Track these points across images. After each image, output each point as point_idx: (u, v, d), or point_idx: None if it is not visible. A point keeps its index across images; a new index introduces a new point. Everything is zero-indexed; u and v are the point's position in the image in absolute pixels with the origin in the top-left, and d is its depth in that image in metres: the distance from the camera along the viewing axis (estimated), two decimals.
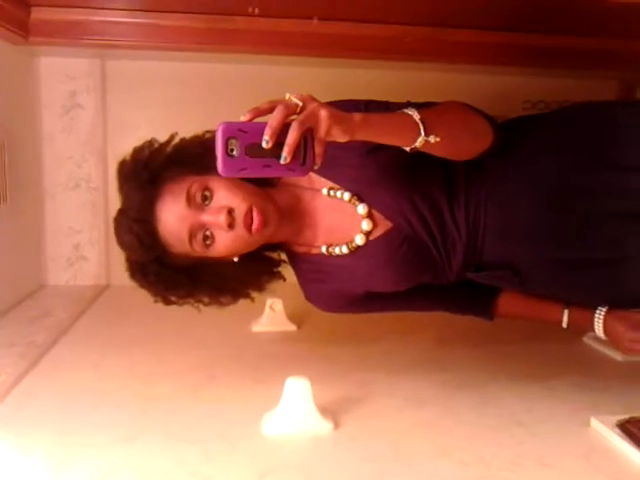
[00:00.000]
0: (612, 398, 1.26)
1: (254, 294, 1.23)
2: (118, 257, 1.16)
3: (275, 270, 1.24)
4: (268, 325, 1.68)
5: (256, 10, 1.44)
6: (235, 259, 1.12)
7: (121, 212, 1.11)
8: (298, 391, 1.07)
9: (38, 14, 1.65)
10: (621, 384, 1.33)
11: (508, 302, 1.29)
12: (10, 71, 1.82)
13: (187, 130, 1.17)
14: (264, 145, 0.81)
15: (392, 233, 1.11)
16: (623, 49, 1.87)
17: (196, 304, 1.19)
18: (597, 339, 1.60)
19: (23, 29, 1.64)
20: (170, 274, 1.12)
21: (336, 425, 1.10)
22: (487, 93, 2.01)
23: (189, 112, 1.89)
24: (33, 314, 1.75)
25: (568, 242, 1.10)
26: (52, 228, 2.08)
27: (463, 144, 1.05)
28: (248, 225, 1.04)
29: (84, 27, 1.68)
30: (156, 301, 1.17)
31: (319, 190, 1.14)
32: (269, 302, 1.68)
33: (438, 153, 1.00)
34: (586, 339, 1.62)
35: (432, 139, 0.93)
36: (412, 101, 1.09)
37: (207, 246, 1.06)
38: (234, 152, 0.82)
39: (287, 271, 1.26)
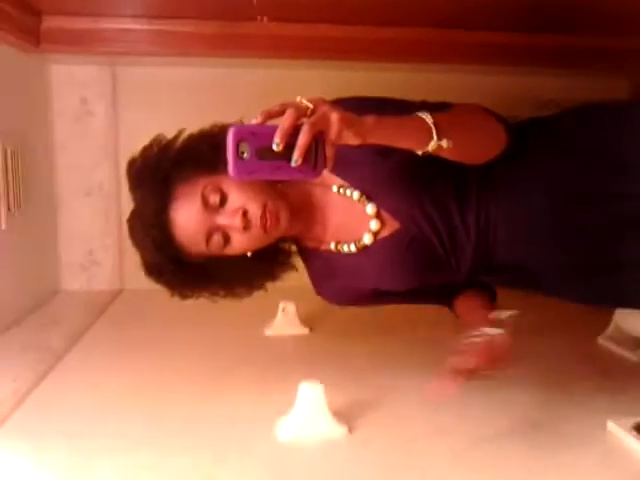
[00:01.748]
0: (628, 400, 1.24)
1: (267, 291, 1.25)
2: (131, 262, 1.17)
3: (287, 261, 1.25)
4: (281, 329, 1.68)
5: (265, 18, 1.44)
6: (249, 254, 1.13)
7: (135, 215, 1.12)
8: (312, 396, 1.07)
9: (49, 22, 1.66)
10: (637, 386, 1.32)
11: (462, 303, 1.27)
12: (22, 79, 1.84)
13: None
14: (275, 148, 0.81)
15: (400, 234, 1.11)
16: (634, 48, 1.86)
17: (212, 297, 1.19)
18: (612, 339, 1.60)
19: (34, 37, 1.65)
20: (186, 272, 1.13)
21: (350, 430, 1.10)
22: (497, 93, 1.99)
23: (200, 117, 1.88)
24: (47, 320, 1.76)
25: (582, 244, 1.10)
26: (65, 234, 2.09)
27: (476, 148, 1.05)
28: (264, 226, 1.05)
29: (94, 35, 1.69)
30: (172, 295, 1.18)
31: (329, 187, 1.14)
32: (281, 305, 1.68)
33: (451, 157, 1.00)
34: (601, 340, 1.61)
35: (445, 143, 0.93)
36: (427, 101, 1.09)
37: (223, 246, 1.08)
38: (245, 155, 0.83)
39: (298, 269, 1.26)
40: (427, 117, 0.93)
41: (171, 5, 1.58)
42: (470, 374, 0.99)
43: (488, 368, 1.01)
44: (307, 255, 1.23)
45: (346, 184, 1.13)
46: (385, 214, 1.12)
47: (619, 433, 1.09)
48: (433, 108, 0.97)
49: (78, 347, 1.56)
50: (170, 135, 1.16)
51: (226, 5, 1.53)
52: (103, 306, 1.93)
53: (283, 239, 1.21)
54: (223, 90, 2.03)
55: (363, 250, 1.14)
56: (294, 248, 1.25)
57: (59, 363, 1.44)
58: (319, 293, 1.25)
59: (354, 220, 1.14)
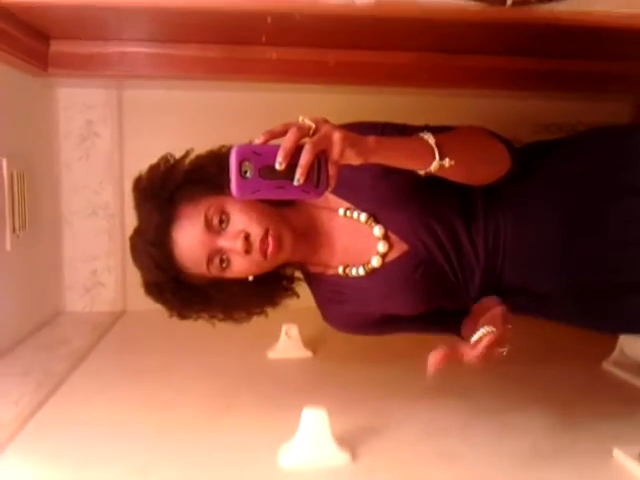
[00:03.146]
0: (634, 427, 1.23)
1: (270, 311, 1.23)
2: (135, 283, 1.16)
3: (289, 287, 1.24)
4: (284, 352, 1.68)
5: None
6: (250, 278, 1.13)
7: (137, 233, 1.12)
8: (315, 422, 1.06)
9: (56, 47, 1.68)
10: None
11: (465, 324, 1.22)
12: (29, 102, 1.86)
13: None
14: (277, 167, 0.82)
15: (408, 256, 1.11)
16: (635, 72, 1.87)
17: (210, 319, 1.19)
18: (617, 364, 1.59)
19: (42, 61, 1.67)
20: (186, 292, 1.13)
21: (354, 457, 1.09)
22: (499, 117, 2.00)
23: (205, 139, 1.89)
24: (50, 342, 1.76)
25: (588, 269, 1.09)
26: (69, 255, 2.10)
27: (479, 169, 1.05)
28: (264, 251, 1.05)
29: (101, 59, 1.70)
30: (171, 316, 1.17)
31: (336, 210, 1.14)
32: (285, 328, 1.68)
33: (453, 178, 1.00)
34: (605, 365, 1.60)
35: (447, 163, 0.93)
36: (429, 124, 1.09)
37: (223, 269, 1.07)
38: (248, 174, 0.83)
39: (301, 293, 1.25)
40: (429, 137, 0.94)
41: (177, 29, 1.60)
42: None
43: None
44: (313, 281, 1.22)
45: (352, 207, 1.13)
46: (393, 236, 1.12)
47: (625, 461, 1.08)
48: (435, 131, 0.98)
49: (80, 370, 1.55)
50: (178, 155, 1.16)
51: (231, 30, 1.55)
52: (106, 327, 1.93)
53: (287, 265, 1.20)
54: (228, 113, 2.04)
55: (372, 273, 1.13)
56: (298, 274, 1.24)
57: (61, 386, 1.43)
58: (326, 319, 1.24)
59: (361, 243, 1.13)
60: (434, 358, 0.90)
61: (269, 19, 1.19)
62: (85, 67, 1.70)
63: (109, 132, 2.06)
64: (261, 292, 1.18)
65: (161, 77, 1.79)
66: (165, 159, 1.14)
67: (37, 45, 1.62)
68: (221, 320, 1.19)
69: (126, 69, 1.74)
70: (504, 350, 0.92)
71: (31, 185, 1.79)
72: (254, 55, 1.68)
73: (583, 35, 1.37)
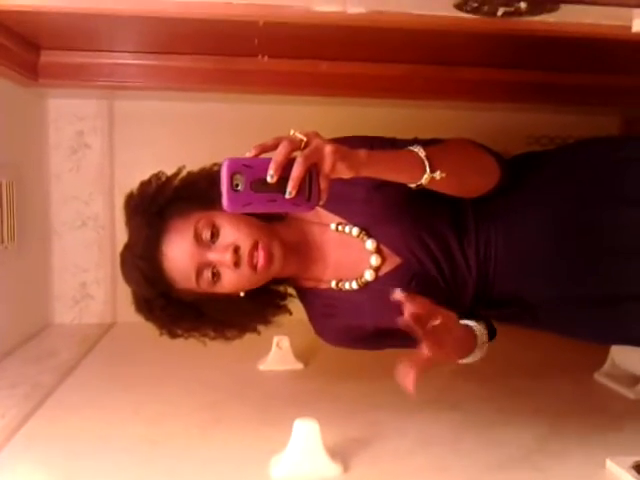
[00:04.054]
0: (626, 438, 1.23)
1: (261, 328, 1.22)
2: (124, 295, 1.15)
3: (281, 304, 1.23)
4: (275, 364, 1.67)
5: (265, 57, 1.48)
6: (241, 294, 1.12)
7: (127, 247, 1.12)
8: (306, 434, 1.05)
9: (47, 57, 1.68)
10: (635, 423, 1.31)
11: None
12: (20, 112, 1.85)
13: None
14: (269, 180, 0.81)
15: (401, 269, 1.11)
16: (625, 85, 1.89)
17: (202, 338, 1.18)
18: (608, 376, 1.59)
19: (33, 72, 1.67)
20: (176, 309, 1.11)
21: (345, 468, 1.08)
22: (491, 129, 2.03)
23: (196, 151, 1.88)
24: (38, 354, 1.74)
25: (579, 278, 1.09)
26: (58, 267, 2.08)
27: (469, 182, 1.05)
28: (252, 265, 1.04)
29: (92, 69, 1.71)
30: (161, 334, 1.16)
31: (327, 225, 1.14)
32: (276, 340, 1.67)
33: (444, 190, 1.01)
34: (597, 376, 1.60)
35: (437, 176, 0.93)
36: (419, 138, 1.10)
37: (213, 283, 1.06)
38: (239, 187, 0.83)
39: (293, 305, 1.25)
40: (419, 150, 0.94)
41: (168, 40, 1.60)
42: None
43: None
44: (306, 295, 1.21)
45: (344, 221, 1.13)
46: (385, 249, 1.12)
47: (618, 472, 1.07)
48: (425, 144, 0.98)
49: (68, 382, 1.54)
50: (169, 171, 1.16)
51: (223, 41, 1.55)
52: (95, 340, 1.91)
53: (279, 281, 1.19)
54: (219, 125, 2.04)
55: (365, 287, 1.13)
56: (291, 290, 1.23)
57: (49, 399, 1.41)
58: (319, 334, 1.23)
59: (354, 257, 1.13)
60: (407, 379, 0.94)
61: (261, 22, 1.20)
62: (76, 77, 1.70)
63: (100, 143, 2.06)
64: (253, 309, 1.17)
65: (153, 88, 1.80)
66: (157, 176, 1.14)
67: (28, 55, 1.62)
68: (212, 339, 1.17)
69: (117, 80, 1.74)
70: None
71: (20, 196, 1.78)
72: (247, 66, 1.68)
73: (574, 47, 1.39)
